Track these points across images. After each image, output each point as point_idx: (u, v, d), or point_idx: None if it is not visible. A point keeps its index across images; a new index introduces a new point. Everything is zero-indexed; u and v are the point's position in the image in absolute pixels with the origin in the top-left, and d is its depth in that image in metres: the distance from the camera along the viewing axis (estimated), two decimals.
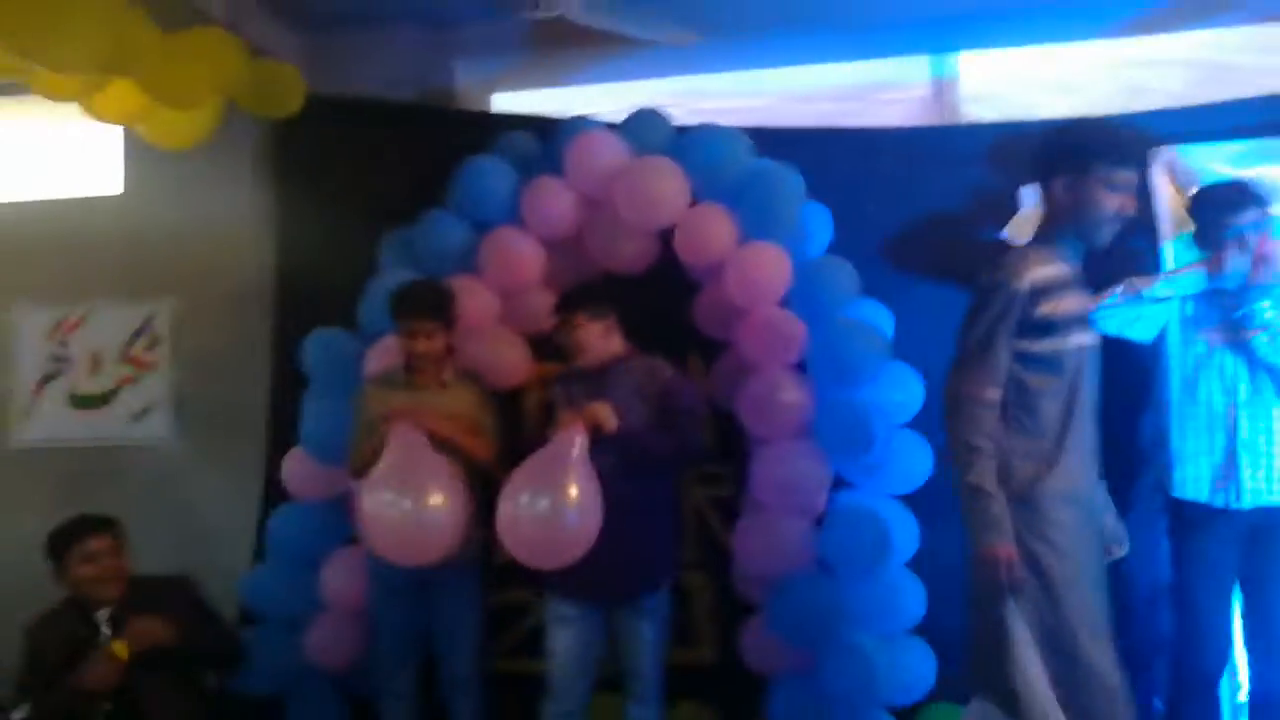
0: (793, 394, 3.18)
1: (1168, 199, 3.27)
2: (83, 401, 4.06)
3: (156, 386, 4.02)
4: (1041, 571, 2.35)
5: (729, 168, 3.32)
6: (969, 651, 2.53)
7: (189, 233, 4.04)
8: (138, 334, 4.04)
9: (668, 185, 3.28)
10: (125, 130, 3.86)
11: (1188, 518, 2.92)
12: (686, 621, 3.45)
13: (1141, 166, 2.44)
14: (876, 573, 3.08)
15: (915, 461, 3.20)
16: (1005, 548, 2.34)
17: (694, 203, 3.32)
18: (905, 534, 3.15)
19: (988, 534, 2.35)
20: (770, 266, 3.24)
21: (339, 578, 3.34)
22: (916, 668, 3.13)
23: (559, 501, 2.69)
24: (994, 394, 2.39)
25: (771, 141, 3.40)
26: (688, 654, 3.43)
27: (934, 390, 3.24)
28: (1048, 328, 2.40)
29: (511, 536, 2.75)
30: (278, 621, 3.42)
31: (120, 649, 2.82)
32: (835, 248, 3.37)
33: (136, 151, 4.05)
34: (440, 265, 3.42)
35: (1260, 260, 2.84)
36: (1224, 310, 2.91)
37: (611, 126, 3.45)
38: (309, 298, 3.75)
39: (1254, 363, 2.87)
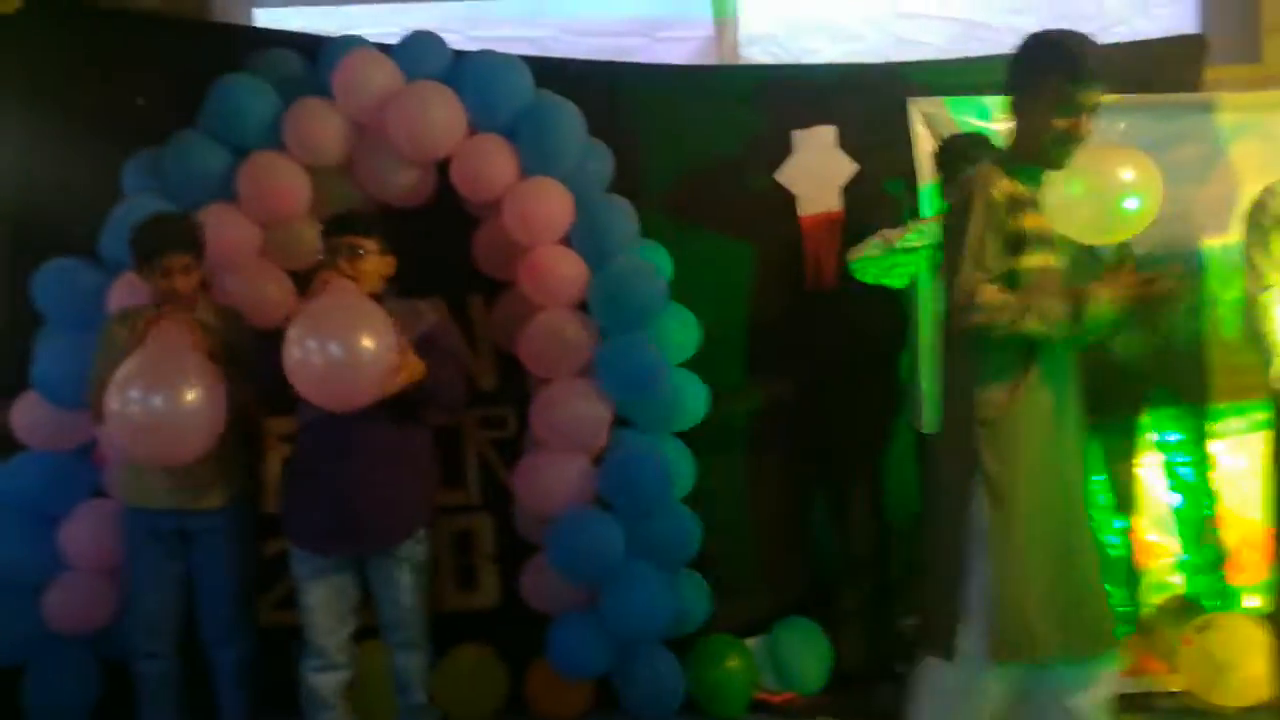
0: (574, 333, 3.16)
1: (927, 148, 3.44)
2: None
3: None
4: (1002, 498, 2.25)
5: (508, 99, 3.21)
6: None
7: None
8: None
9: (443, 113, 3.13)
10: None
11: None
12: (467, 564, 3.42)
13: (1102, 87, 2.26)
14: (655, 509, 3.15)
15: (692, 400, 3.27)
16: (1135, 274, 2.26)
17: (472, 133, 3.19)
18: (682, 471, 3.23)
19: (1113, 299, 2.23)
20: (551, 203, 3.18)
21: (83, 534, 3.07)
22: (693, 601, 3.24)
23: (351, 347, 2.56)
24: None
25: (551, 73, 3.31)
26: (468, 597, 3.41)
27: (711, 331, 3.34)
28: (1019, 243, 2.28)
29: (301, 380, 2.61)
30: (11, 586, 3.10)
31: None
32: (613, 186, 3.34)
33: None
34: (192, 191, 3.14)
35: None
36: None
37: (384, 48, 3.25)
38: (41, 226, 3.35)
39: None
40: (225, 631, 2.94)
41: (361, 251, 2.77)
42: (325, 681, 2.83)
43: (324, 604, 2.80)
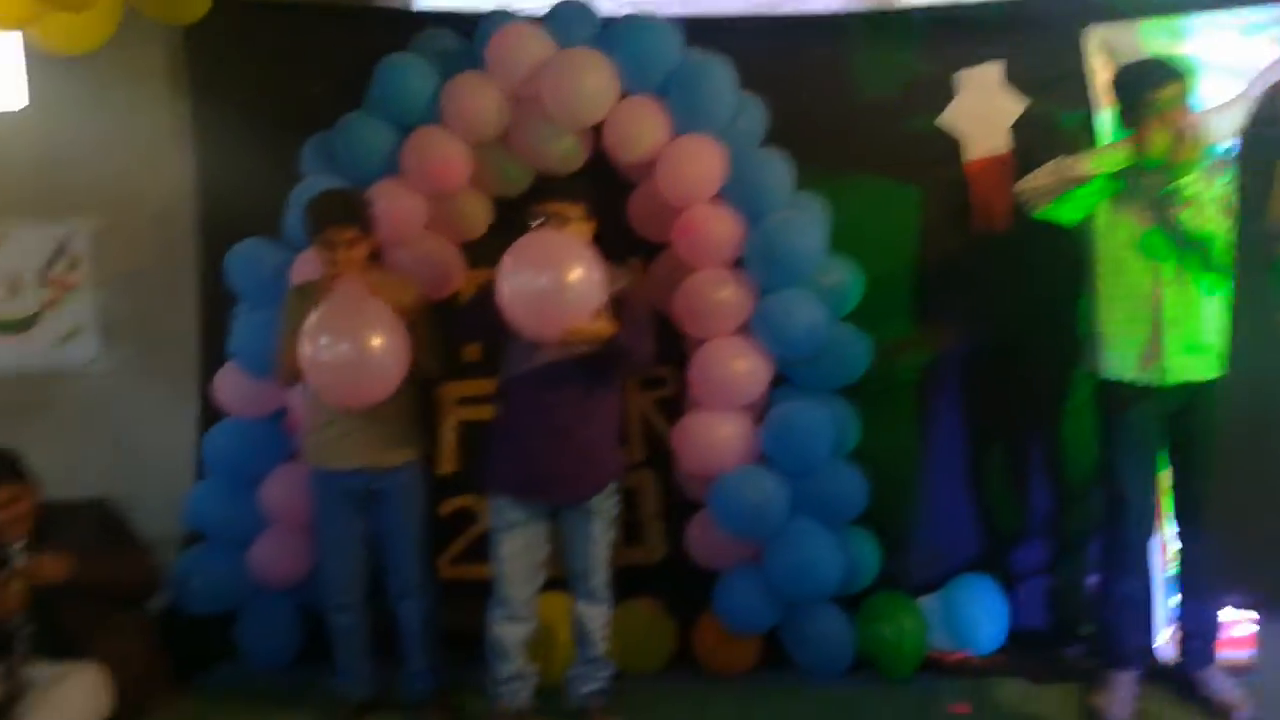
0: (729, 292, 3.14)
1: (1105, 77, 3.21)
2: (4, 327, 3.91)
3: (81, 309, 3.87)
4: None
5: (658, 59, 3.20)
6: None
7: (102, 145, 3.82)
8: (57, 255, 3.88)
9: (595, 78, 3.15)
10: (25, 42, 3.63)
11: (1115, 397, 2.95)
12: (634, 520, 3.47)
13: None
14: (818, 466, 3.10)
15: (854, 355, 3.19)
16: None
17: (624, 96, 3.21)
18: (845, 427, 3.16)
19: None
20: (704, 160, 3.15)
21: (281, 494, 3.30)
22: (861, 559, 3.18)
23: (557, 279, 2.62)
24: None
25: (701, 31, 3.28)
26: (635, 552, 3.46)
27: (875, 282, 3.25)
28: None
29: (510, 309, 2.68)
30: (222, 540, 3.38)
31: (18, 580, 2.85)
32: (769, 139, 3.28)
33: (39, 64, 3.82)
34: (362, 170, 3.28)
35: (1181, 136, 2.77)
36: (1148, 188, 2.87)
37: (535, 19, 3.30)
38: (233, 209, 3.60)
39: (1178, 240, 2.85)
40: (410, 584, 3.09)
41: (568, 217, 2.84)
42: (510, 632, 2.94)
43: (517, 554, 2.91)
